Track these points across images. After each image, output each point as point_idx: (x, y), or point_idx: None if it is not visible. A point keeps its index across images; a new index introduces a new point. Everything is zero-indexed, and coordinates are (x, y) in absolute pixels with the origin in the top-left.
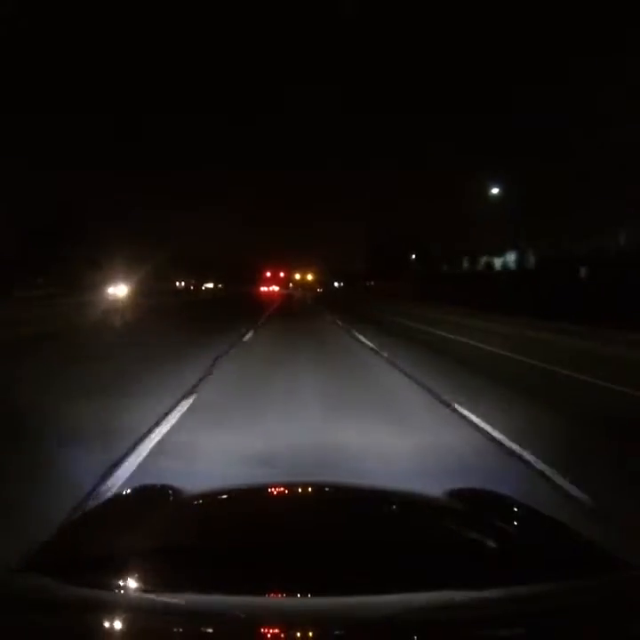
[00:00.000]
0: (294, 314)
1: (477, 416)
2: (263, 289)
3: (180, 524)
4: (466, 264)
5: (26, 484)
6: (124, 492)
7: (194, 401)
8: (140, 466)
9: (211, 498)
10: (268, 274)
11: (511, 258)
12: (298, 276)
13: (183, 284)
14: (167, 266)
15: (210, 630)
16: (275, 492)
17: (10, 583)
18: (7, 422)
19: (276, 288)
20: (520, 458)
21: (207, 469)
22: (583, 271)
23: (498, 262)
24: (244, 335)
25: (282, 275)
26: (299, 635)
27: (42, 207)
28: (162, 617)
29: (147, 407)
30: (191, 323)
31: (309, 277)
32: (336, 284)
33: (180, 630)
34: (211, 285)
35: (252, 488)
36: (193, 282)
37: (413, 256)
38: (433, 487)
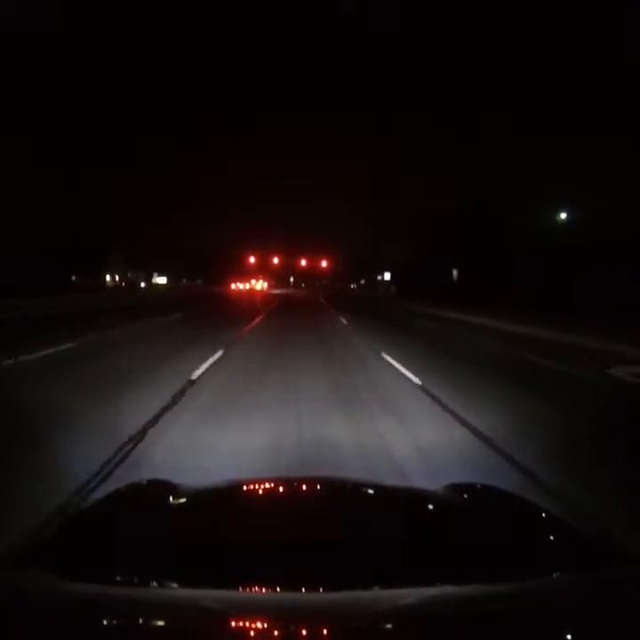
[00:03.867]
0: None
1: None
2: (238, 287)
3: (180, 519)
4: None
5: None
6: (124, 488)
7: None
8: None
9: (210, 493)
10: (252, 260)
11: None
12: (303, 263)
13: (117, 278)
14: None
15: (211, 625)
16: (272, 488)
17: (11, 579)
18: None
19: (259, 284)
20: None
21: None
22: None
23: None
24: None
25: (276, 261)
26: (298, 630)
27: None
28: (162, 612)
29: None
30: None
31: (324, 264)
32: (387, 277)
33: (181, 625)
34: (162, 280)
35: (250, 483)
36: (128, 276)
37: None
38: None
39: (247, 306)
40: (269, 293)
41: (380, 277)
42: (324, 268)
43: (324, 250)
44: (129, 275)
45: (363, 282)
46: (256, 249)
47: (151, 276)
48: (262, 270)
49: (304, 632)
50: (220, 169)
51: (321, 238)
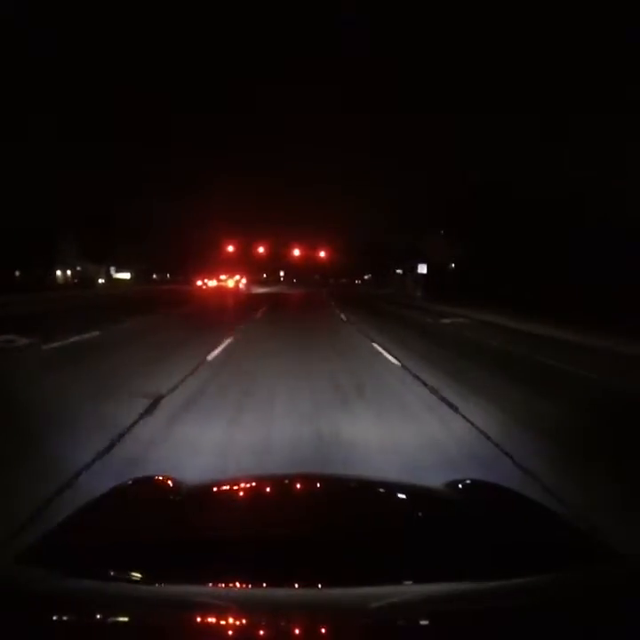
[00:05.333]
0: None
1: None
2: (206, 284)
3: (181, 515)
4: None
5: None
6: (125, 484)
7: None
8: None
9: (210, 489)
10: (231, 248)
11: None
12: (297, 252)
13: (69, 273)
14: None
15: (212, 621)
16: (274, 484)
17: (12, 576)
18: None
19: (232, 281)
20: None
21: None
22: None
23: None
24: None
25: (261, 250)
26: (299, 626)
27: None
28: (163, 608)
29: None
30: None
31: (322, 254)
32: (422, 270)
33: (182, 621)
34: (125, 276)
35: (250, 479)
36: (78, 270)
37: None
38: None
39: (232, 309)
40: (249, 293)
41: (398, 270)
42: (322, 259)
43: (322, 236)
44: (79, 268)
45: (367, 277)
46: (237, 236)
47: (109, 271)
48: (245, 262)
49: (305, 628)
50: (201, 145)
51: (318, 222)
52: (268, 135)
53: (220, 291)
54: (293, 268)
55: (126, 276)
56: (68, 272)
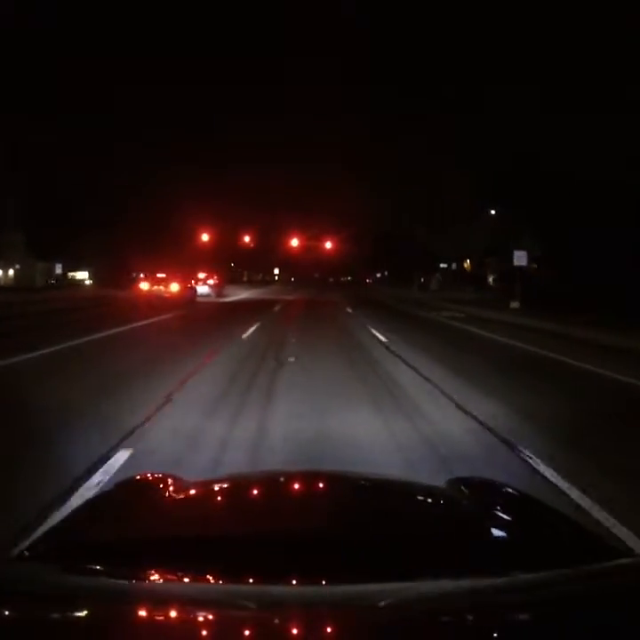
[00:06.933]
0: None
1: None
2: (152, 290)
3: (181, 512)
4: None
5: None
6: (126, 481)
7: None
8: None
9: (211, 486)
10: (206, 237)
11: None
12: (295, 243)
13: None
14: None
15: (210, 619)
16: (273, 481)
17: (10, 572)
18: None
19: (188, 282)
20: None
21: None
22: None
23: None
24: None
25: (247, 240)
26: (302, 623)
27: None
28: (162, 606)
29: None
30: None
31: (328, 245)
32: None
33: (181, 619)
34: (82, 275)
35: (251, 476)
36: (17, 268)
37: None
38: None
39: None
40: (217, 303)
41: (447, 265)
42: (328, 252)
43: (326, 225)
44: (18, 267)
45: (380, 274)
46: (216, 221)
47: (56, 269)
48: (228, 256)
49: (307, 625)
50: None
51: (322, 207)
52: (263, 102)
53: (153, 301)
54: (291, 264)
55: (84, 275)
56: (11, 271)
